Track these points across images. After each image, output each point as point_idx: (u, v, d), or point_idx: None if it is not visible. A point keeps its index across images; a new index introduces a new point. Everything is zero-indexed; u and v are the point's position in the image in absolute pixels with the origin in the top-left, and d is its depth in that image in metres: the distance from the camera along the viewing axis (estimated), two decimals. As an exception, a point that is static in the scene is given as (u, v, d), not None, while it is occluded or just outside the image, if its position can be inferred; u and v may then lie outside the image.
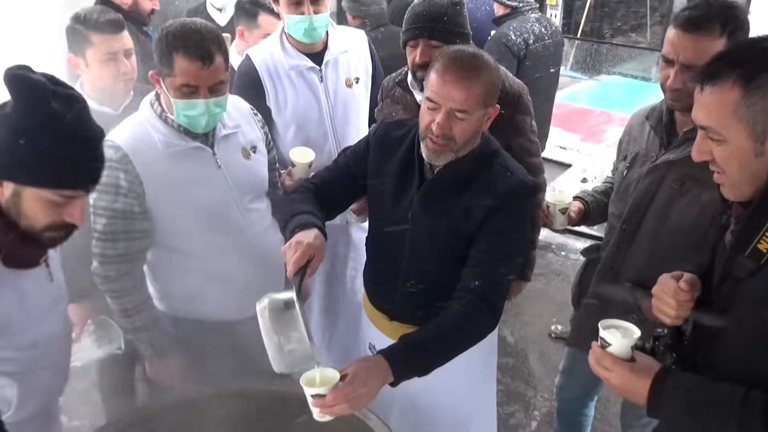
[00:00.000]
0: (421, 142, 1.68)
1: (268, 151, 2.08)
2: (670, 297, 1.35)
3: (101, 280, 1.85)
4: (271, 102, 2.39)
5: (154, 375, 2.01)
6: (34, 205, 1.34)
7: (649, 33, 6.89)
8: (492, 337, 1.98)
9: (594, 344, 1.32)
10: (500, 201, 1.66)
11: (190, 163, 1.84)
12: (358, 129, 2.51)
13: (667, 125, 1.89)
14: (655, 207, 1.87)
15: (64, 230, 1.41)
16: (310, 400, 1.42)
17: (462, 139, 1.63)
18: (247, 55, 2.42)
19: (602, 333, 1.30)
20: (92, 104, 2.15)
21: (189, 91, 1.72)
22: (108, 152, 1.75)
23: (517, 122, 2.19)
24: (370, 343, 2.00)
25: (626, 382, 1.26)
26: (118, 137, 1.79)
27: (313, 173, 2.08)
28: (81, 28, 2.14)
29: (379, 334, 1.93)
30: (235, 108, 1.96)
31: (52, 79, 1.34)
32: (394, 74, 2.34)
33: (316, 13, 2.28)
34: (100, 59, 2.15)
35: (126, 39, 2.19)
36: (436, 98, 1.59)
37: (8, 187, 1.34)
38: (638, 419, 2.22)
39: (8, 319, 1.41)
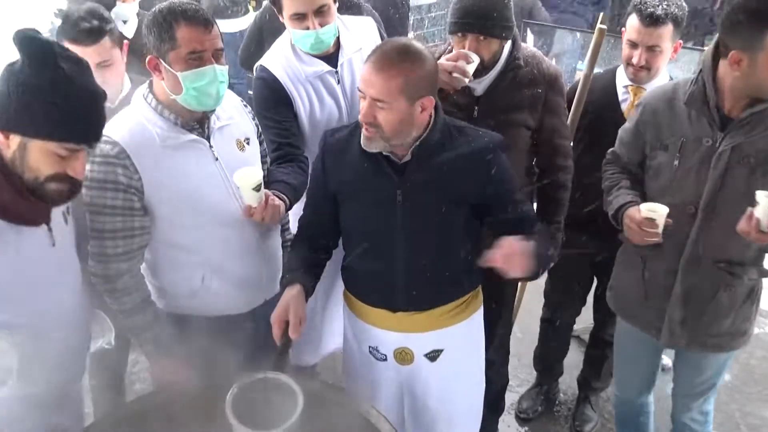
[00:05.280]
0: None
1: (260, 143, 2.06)
2: None
3: (100, 280, 1.80)
4: (298, 109, 2.28)
5: (158, 374, 1.97)
6: (39, 157, 1.43)
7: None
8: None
9: None
10: (485, 155, 1.79)
11: (187, 157, 1.80)
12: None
13: (716, 107, 1.88)
14: (731, 189, 1.88)
15: (66, 184, 1.48)
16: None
17: (388, 128, 1.68)
18: (262, 66, 2.28)
19: None
20: None
21: (195, 58, 1.70)
22: (104, 148, 1.72)
23: (551, 102, 2.26)
24: (370, 346, 2.00)
25: None
26: (113, 132, 1.74)
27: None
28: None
29: (380, 333, 1.96)
30: (226, 100, 1.92)
31: (56, 44, 1.45)
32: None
33: (321, 25, 2.15)
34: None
35: None
36: (361, 86, 1.70)
37: (15, 140, 1.42)
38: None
39: (6, 279, 1.46)
